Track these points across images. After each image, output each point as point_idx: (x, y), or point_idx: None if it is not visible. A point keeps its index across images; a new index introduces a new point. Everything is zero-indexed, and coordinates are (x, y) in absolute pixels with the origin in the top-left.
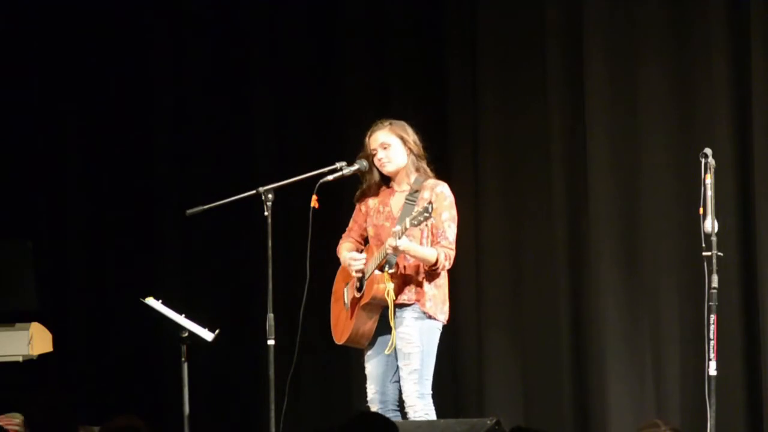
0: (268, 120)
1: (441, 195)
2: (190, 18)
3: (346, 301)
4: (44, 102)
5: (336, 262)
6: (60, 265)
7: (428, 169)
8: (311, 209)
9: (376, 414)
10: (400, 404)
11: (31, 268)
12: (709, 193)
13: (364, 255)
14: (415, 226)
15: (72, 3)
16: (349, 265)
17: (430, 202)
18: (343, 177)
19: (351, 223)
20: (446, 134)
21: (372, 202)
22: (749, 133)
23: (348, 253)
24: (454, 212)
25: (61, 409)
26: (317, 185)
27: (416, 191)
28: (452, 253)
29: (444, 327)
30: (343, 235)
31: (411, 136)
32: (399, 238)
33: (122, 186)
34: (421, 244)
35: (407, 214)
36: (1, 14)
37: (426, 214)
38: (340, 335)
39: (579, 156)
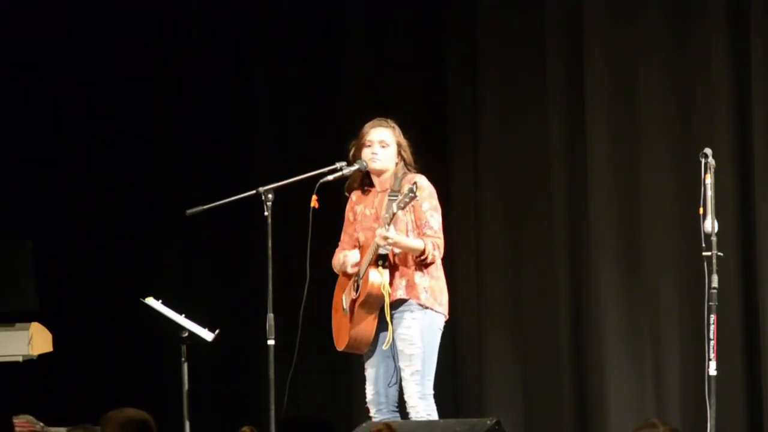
0: (268, 120)
1: (420, 186)
2: (191, 18)
3: (345, 307)
4: (44, 102)
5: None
6: (60, 265)
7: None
8: (311, 209)
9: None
10: (400, 405)
11: (31, 268)
12: (709, 193)
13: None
14: (402, 208)
15: (73, 4)
16: (344, 263)
17: (414, 183)
18: (343, 177)
19: (342, 235)
20: (446, 134)
21: (359, 208)
22: (749, 133)
23: (350, 260)
24: (435, 202)
25: None
26: (317, 185)
27: (397, 190)
28: (440, 242)
29: (444, 326)
30: (337, 250)
31: (406, 145)
32: (388, 224)
33: (122, 186)
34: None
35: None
36: (1, 15)
37: (411, 194)
38: (341, 341)
39: (579, 156)
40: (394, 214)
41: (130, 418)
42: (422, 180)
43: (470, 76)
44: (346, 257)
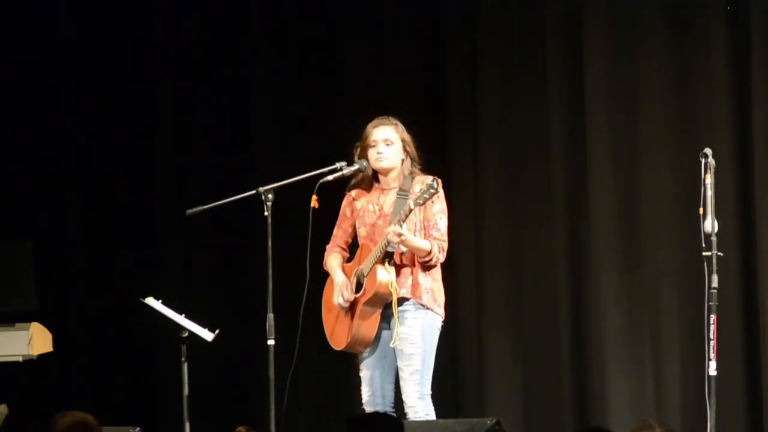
0: (268, 120)
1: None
2: (190, 18)
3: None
4: (44, 102)
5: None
6: (60, 265)
7: (421, 174)
8: (311, 209)
9: (380, 414)
10: (397, 405)
11: (31, 268)
12: (709, 193)
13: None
14: (421, 204)
15: (73, 4)
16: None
17: (435, 179)
18: (343, 177)
19: (336, 230)
20: (446, 134)
21: (359, 203)
22: (749, 133)
23: (340, 278)
24: (444, 204)
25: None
26: (317, 185)
27: (406, 189)
28: (445, 245)
29: (444, 327)
30: (328, 246)
31: (411, 141)
32: (403, 221)
33: (122, 186)
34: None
35: (400, 209)
36: (2, 16)
37: (432, 191)
38: (338, 341)
39: (579, 156)
40: (411, 211)
41: (72, 423)
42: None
43: (470, 76)
44: (330, 260)
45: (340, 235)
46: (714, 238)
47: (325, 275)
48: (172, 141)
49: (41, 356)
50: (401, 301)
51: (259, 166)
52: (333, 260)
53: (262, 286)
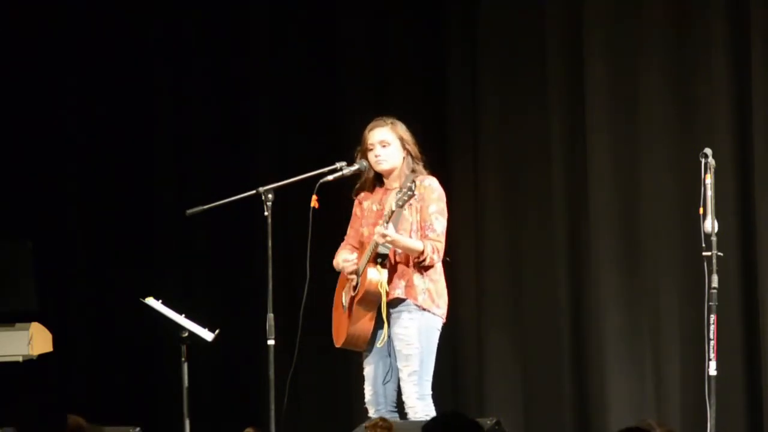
0: (268, 120)
1: (429, 188)
2: (191, 18)
3: (344, 304)
4: (45, 102)
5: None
6: (60, 265)
7: (424, 171)
8: (311, 209)
9: (456, 414)
10: (398, 405)
11: (31, 268)
12: (709, 193)
13: (355, 254)
14: (401, 206)
15: (74, 4)
16: (343, 268)
17: (413, 181)
18: (343, 177)
19: (348, 230)
20: (446, 134)
21: (367, 203)
22: (749, 133)
23: (341, 256)
24: (442, 205)
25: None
26: (317, 185)
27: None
28: (440, 246)
29: (444, 327)
30: (342, 244)
31: (410, 138)
32: (386, 222)
33: (122, 186)
34: (410, 238)
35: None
36: (2, 16)
37: (410, 193)
38: (339, 338)
39: (579, 156)
40: (393, 212)
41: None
42: (433, 182)
43: (470, 76)
44: (338, 255)
45: (352, 234)
46: (714, 238)
47: (325, 275)
48: (172, 141)
49: (41, 356)
50: (397, 301)
51: (259, 166)
52: (341, 252)
53: (262, 286)
